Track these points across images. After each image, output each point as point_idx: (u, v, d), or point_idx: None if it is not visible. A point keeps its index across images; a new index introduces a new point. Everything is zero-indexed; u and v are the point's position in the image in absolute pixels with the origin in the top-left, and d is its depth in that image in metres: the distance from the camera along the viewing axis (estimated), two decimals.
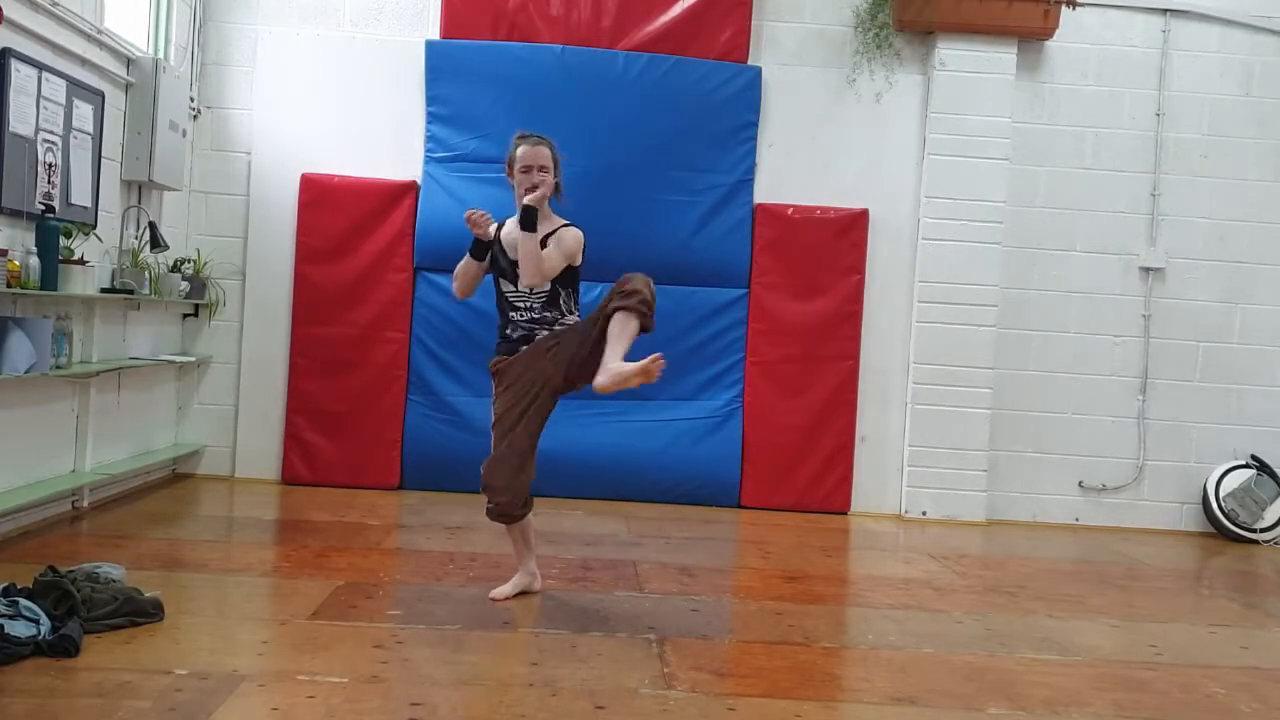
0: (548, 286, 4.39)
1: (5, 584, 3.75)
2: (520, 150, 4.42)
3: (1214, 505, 7.19)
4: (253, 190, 7.12)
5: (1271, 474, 7.18)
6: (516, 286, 4.41)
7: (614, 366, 4.08)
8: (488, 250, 4.46)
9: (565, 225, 4.43)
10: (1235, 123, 7.41)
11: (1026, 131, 7.32)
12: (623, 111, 6.98)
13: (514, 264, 4.39)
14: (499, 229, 4.49)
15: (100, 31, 5.81)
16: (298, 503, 6.51)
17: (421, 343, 7.09)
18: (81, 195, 5.68)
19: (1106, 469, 7.42)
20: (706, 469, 7.09)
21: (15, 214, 5.04)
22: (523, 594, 4.57)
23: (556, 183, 4.43)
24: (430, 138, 7.09)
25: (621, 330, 4.14)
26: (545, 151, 4.40)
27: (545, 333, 4.40)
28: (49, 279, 5.04)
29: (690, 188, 7.12)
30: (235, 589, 4.53)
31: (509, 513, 4.44)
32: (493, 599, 4.48)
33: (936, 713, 3.48)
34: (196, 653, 3.60)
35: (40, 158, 5.24)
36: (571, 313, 4.46)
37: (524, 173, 4.39)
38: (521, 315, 4.42)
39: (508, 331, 4.48)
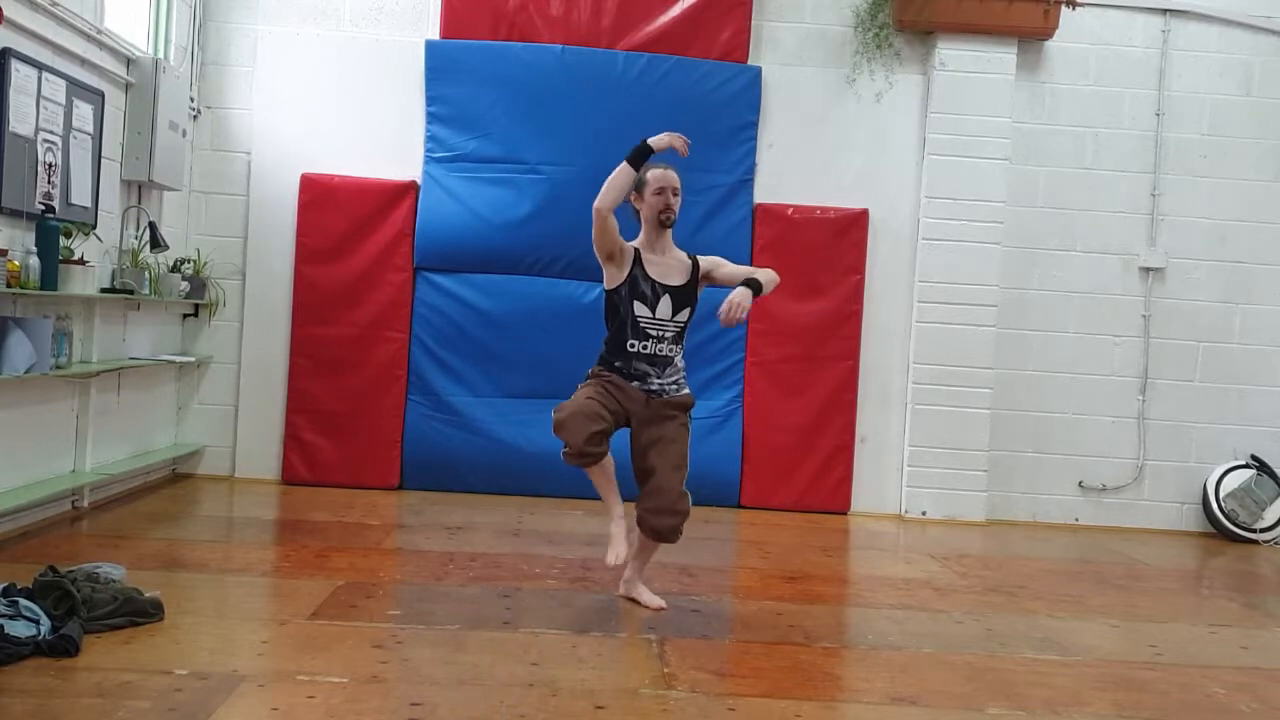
0: (684, 317, 4.45)
1: (5, 584, 3.76)
2: (657, 172, 4.44)
3: (1214, 505, 7.19)
4: (253, 190, 7.12)
5: (1271, 474, 7.18)
6: (654, 314, 4.39)
7: (641, 590, 4.58)
8: (646, 159, 4.34)
9: (695, 255, 4.55)
10: (1235, 123, 7.41)
11: (1026, 131, 7.32)
12: (623, 111, 6.98)
13: (655, 287, 4.40)
14: (637, 252, 4.45)
15: (100, 31, 5.81)
16: (298, 503, 6.51)
17: (421, 343, 7.09)
18: (81, 195, 5.68)
19: (1106, 469, 7.42)
20: (706, 469, 7.01)
21: (15, 214, 5.04)
22: (517, 587, 4.56)
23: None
24: (430, 138, 7.09)
25: (651, 550, 4.59)
26: (676, 175, 4.46)
27: (656, 383, 4.39)
28: (49, 279, 5.04)
29: (690, 188, 6.95)
30: (235, 589, 4.54)
31: (585, 451, 4.26)
32: (613, 565, 4.39)
33: (936, 713, 3.48)
34: (196, 653, 3.60)
35: (40, 158, 5.24)
36: (681, 349, 4.48)
37: (657, 194, 4.42)
38: (648, 346, 4.39)
39: (618, 364, 4.42)
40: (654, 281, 4.40)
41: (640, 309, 4.39)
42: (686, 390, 4.50)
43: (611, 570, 4.53)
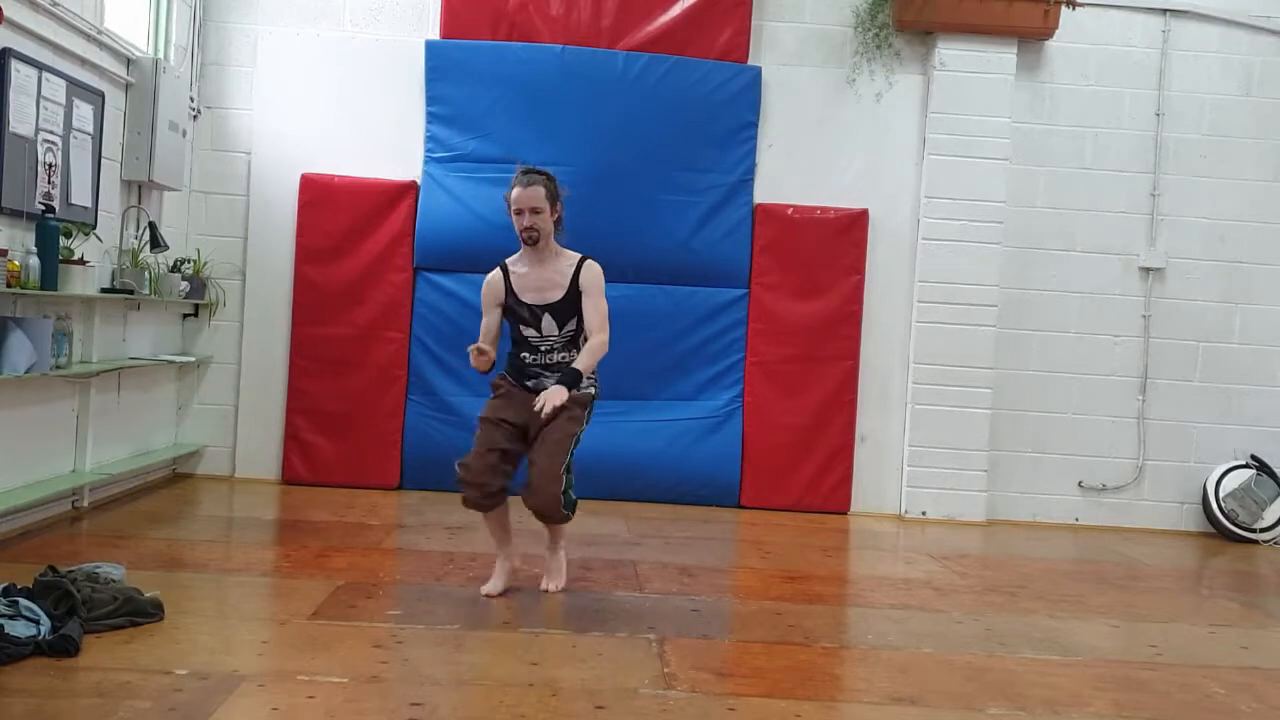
0: (573, 326, 4.47)
1: (5, 584, 3.76)
2: (514, 192, 4.42)
3: (1214, 505, 7.19)
4: (253, 190, 7.12)
5: (1271, 474, 7.18)
6: (540, 331, 4.47)
7: (548, 569, 4.76)
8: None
9: (584, 260, 4.50)
10: (1235, 123, 7.41)
11: (1026, 131, 7.32)
12: (623, 111, 6.99)
13: (533, 310, 4.45)
14: (506, 272, 4.52)
15: (100, 31, 5.82)
16: (298, 503, 6.51)
17: (421, 343, 7.09)
18: (81, 195, 5.68)
19: (1106, 469, 7.42)
20: (706, 469, 7.09)
21: (15, 214, 5.04)
22: (514, 588, 4.60)
23: (558, 218, 4.49)
24: (430, 138, 7.09)
25: (552, 534, 4.70)
26: (538, 192, 4.39)
27: (550, 383, 4.39)
28: (49, 279, 5.04)
29: (690, 188, 7.13)
30: (235, 589, 4.54)
31: (480, 505, 4.47)
32: (486, 595, 4.51)
33: (936, 713, 3.48)
34: (196, 653, 3.60)
35: (40, 158, 5.24)
36: (580, 347, 4.48)
37: (516, 215, 4.44)
38: (538, 358, 4.48)
39: (514, 374, 4.55)
40: (529, 306, 4.45)
41: (527, 330, 4.50)
42: (590, 390, 4.51)
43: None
